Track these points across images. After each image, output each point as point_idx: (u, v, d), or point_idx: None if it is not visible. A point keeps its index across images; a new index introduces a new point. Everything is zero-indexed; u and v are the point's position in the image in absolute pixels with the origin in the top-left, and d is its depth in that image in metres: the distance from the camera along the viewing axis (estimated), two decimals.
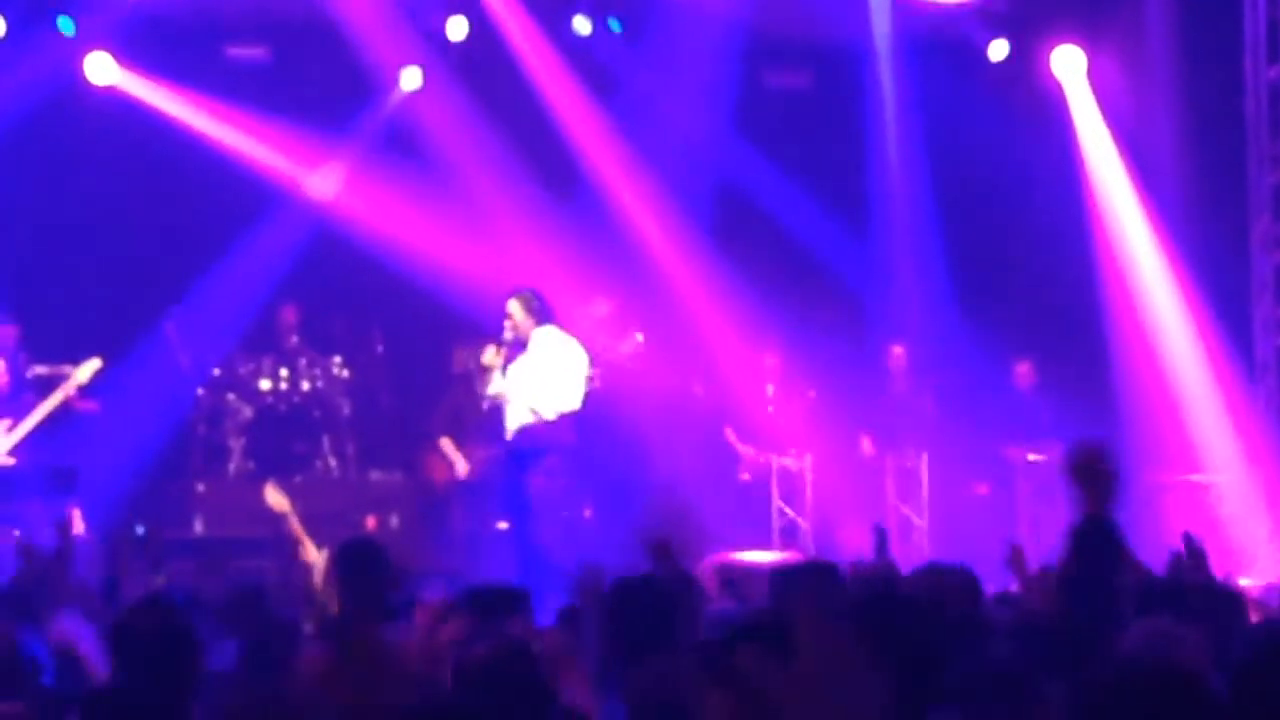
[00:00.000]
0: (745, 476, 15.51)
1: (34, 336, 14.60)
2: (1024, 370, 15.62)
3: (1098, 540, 6.29)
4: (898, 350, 15.80)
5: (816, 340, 15.51)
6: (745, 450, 15.52)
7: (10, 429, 13.77)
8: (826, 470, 15.37)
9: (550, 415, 12.45)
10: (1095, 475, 6.43)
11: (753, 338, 15.64)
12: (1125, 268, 15.82)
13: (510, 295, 12.66)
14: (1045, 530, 15.23)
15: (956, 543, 13.88)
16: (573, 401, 12.49)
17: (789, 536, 15.23)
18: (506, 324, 12.54)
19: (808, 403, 15.64)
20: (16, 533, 13.53)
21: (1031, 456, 15.32)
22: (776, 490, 15.37)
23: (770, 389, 15.70)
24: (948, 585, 6.62)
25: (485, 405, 12.74)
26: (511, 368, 12.50)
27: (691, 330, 15.59)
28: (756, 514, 15.15)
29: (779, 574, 7.24)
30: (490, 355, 12.60)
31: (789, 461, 15.43)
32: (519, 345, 12.55)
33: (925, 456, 15.47)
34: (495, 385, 12.53)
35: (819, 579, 6.74)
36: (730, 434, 15.56)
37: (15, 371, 14.20)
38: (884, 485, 15.55)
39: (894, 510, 15.46)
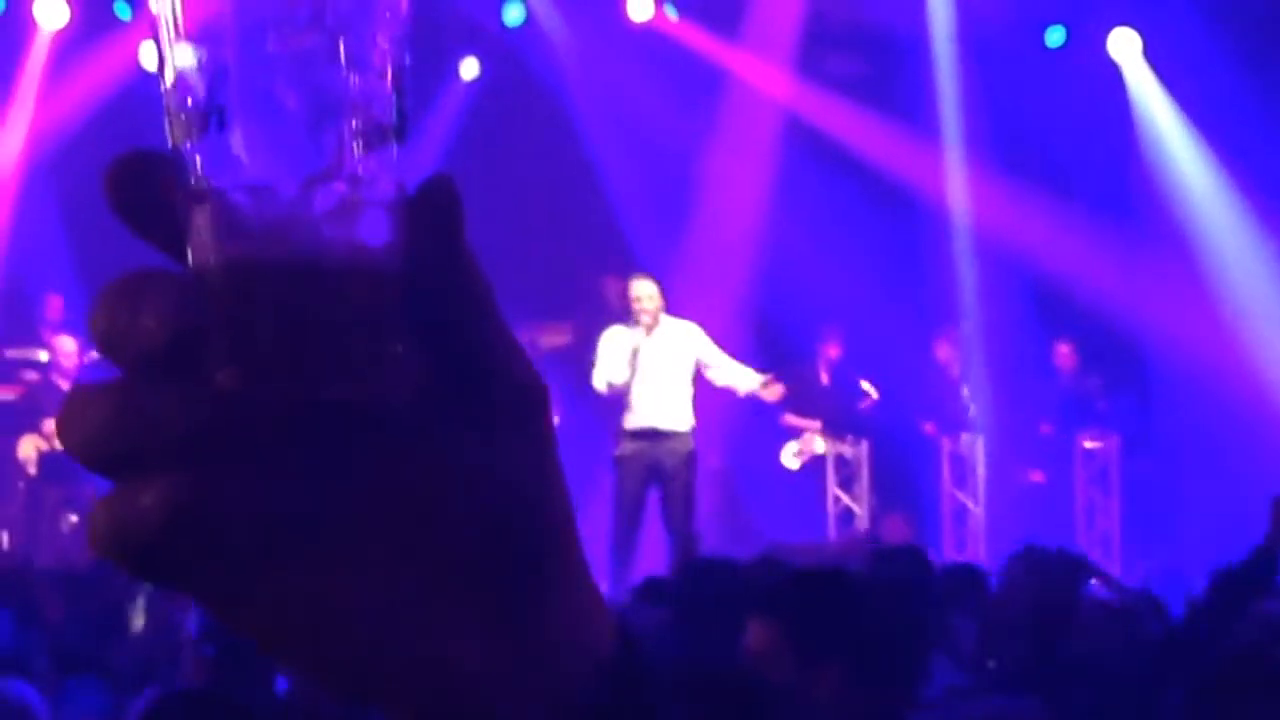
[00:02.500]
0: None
1: (71, 319, 14.74)
2: (1065, 351, 15.54)
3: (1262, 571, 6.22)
4: (942, 343, 15.70)
5: (874, 330, 15.45)
6: (809, 427, 15.43)
7: None
8: (882, 457, 15.33)
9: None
10: None
11: (812, 326, 15.58)
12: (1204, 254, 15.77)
13: (638, 277, 12.62)
14: (1101, 518, 15.22)
15: (1013, 530, 13.84)
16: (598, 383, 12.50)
17: (844, 524, 15.21)
18: (641, 306, 12.41)
19: (867, 398, 15.56)
20: (74, 517, 13.66)
21: (1088, 444, 15.28)
22: (832, 477, 15.34)
23: (825, 378, 15.65)
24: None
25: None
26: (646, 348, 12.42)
27: (743, 316, 15.53)
28: (811, 502, 15.13)
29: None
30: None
31: (845, 448, 15.40)
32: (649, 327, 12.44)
33: (981, 443, 15.42)
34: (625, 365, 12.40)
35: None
36: (792, 419, 15.49)
37: (82, 353, 14.33)
38: (939, 472, 15.51)
39: (949, 498, 15.43)
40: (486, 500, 0.78)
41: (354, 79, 0.75)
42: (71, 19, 15.52)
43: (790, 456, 15.42)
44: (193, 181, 0.75)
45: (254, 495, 0.73)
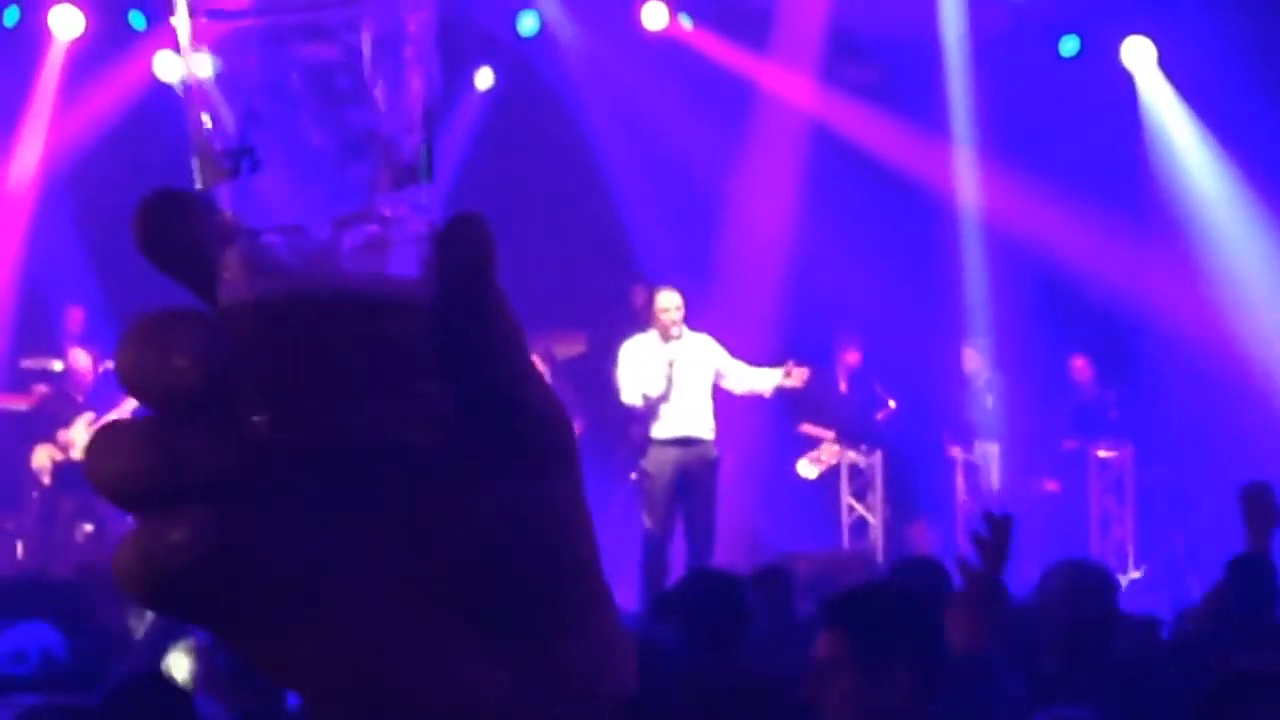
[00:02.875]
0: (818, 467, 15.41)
1: (94, 330, 14.76)
2: (1080, 365, 15.53)
3: (1256, 576, 6.24)
4: (971, 352, 15.67)
5: (895, 338, 15.41)
6: (825, 436, 15.41)
7: (92, 424, 13.89)
8: (896, 467, 15.32)
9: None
10: (1263, 512, 6.37)
11: (830, 333, 15.54)
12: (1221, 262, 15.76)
13: (664, 289, 12.64)
14: (1115, 527, 15.21)
15: (1027, 540, 13.83)
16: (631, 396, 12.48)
17: (858, 534, 15.20)
18: (670, 318, 12.44)
19: (885, 408, 15.51)
20: (89, 527, 13.68)
21: (1102, 453, 15.27)
22: (846, 487, 15.34)
23: (844, 386, 15.61)
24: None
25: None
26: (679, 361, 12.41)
27: (760, 325, 15.49)
28: (826, 511, 15.12)
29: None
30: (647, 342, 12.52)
31: (859, 458, 15.39)
32: (675, 338, 12.44)
33: (995, 453, 15.40)
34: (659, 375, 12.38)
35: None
36: (809, 428, 15.45)
37: (96, 364, 14.34)
38: (953, 482, 15.50)
39: (964, 508, 15.41)
40: (513, 541, 0.79)
41: (383, 118, 0.76)
42: (86, 28, 15.55)
43: (807, 466, 15.41)
44: (223, 222, 0.75)
45: (283, 534, 0.74)
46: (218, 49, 0.76)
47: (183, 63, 0.77)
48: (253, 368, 0.74)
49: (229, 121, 0.75)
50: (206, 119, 0.76)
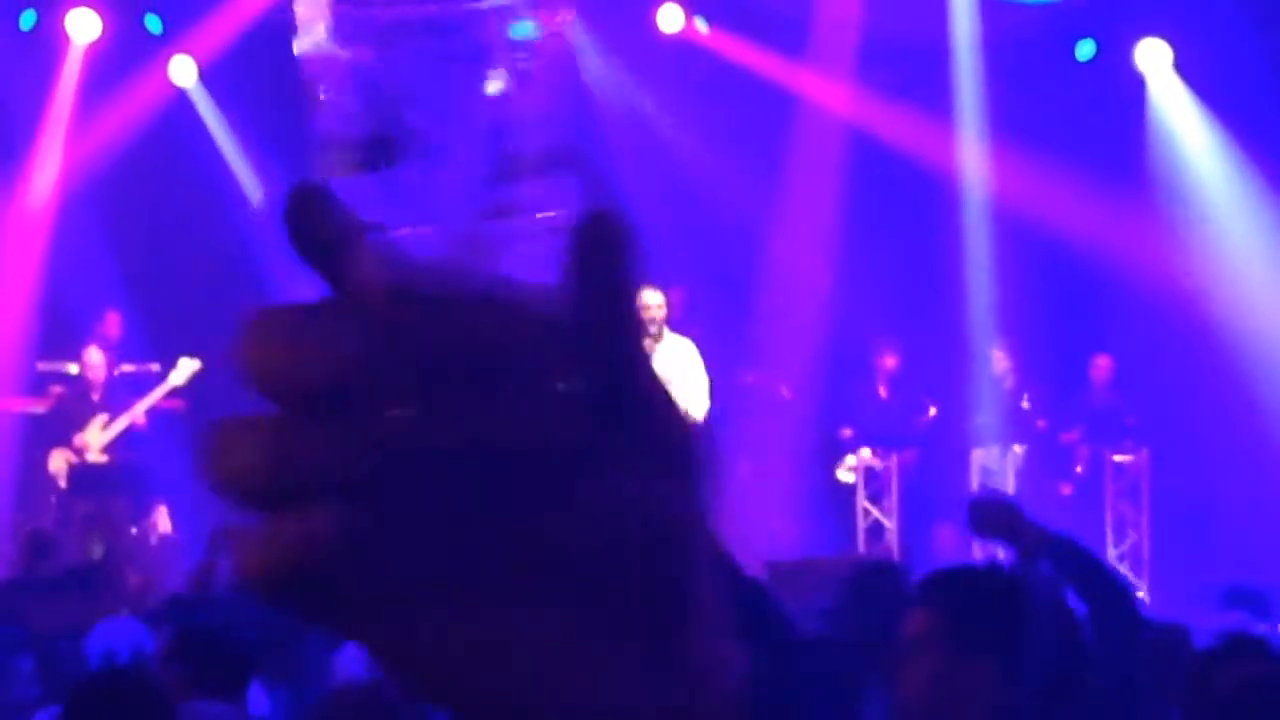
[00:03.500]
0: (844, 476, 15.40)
1: (127, 335, 14.74)
2: (1102, 364, 15.48)
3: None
4: (997, 354, 15.61)
5: (927, 342, 15.37)
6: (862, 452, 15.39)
7: (106, 425, 13.89)
8: (914, 470, 15.29)
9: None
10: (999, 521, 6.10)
11: (866, 339, 15.50)
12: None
13: (646, 287, 12.56)
14: (1131, 532, 15.15)
15: None
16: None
17: (874, 537, 15.17)
18: (650, 315, 12.36)
19: (925, 414, 15.47)
20: (103, 530, 13.67)
21: (1117, 458, 15.22)
22: (862, 491, 15.30)
23: (883, 391, 15.56)
24: None
25: None
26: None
27: (787, 331, 15.45)
28: (842, 515, 15.09)
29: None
30: None
31: (875, 461, 15.35)
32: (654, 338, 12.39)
33: (1019, 456, 15.34)
34: None
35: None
36: (847, 433, 15.40)
37: (112, 366, 14.32)
38: (968, 485, 15.44)
39: None
40: (638, 538, 0.78)
41: (516, 112, 0.75)
42: (104, 32, 15.56)
43: (845, 472, 15.39)
44: (356, 215, 0.74)
45: (408, 532, 0.74)
46: (348, 38, 0.75)
47: (310, 50, 0.75)
48: (384, 364, 0.73)
49: (362, 113, 0.75)
50: (337, 110, 0.75)
